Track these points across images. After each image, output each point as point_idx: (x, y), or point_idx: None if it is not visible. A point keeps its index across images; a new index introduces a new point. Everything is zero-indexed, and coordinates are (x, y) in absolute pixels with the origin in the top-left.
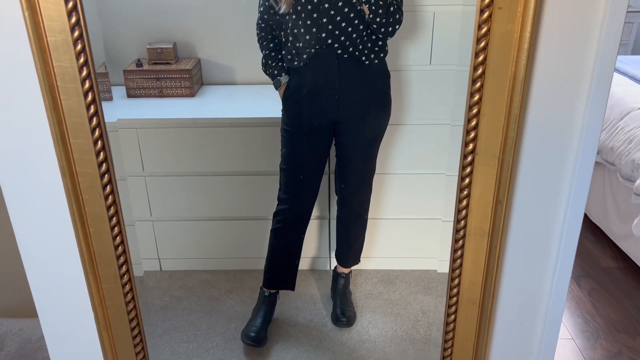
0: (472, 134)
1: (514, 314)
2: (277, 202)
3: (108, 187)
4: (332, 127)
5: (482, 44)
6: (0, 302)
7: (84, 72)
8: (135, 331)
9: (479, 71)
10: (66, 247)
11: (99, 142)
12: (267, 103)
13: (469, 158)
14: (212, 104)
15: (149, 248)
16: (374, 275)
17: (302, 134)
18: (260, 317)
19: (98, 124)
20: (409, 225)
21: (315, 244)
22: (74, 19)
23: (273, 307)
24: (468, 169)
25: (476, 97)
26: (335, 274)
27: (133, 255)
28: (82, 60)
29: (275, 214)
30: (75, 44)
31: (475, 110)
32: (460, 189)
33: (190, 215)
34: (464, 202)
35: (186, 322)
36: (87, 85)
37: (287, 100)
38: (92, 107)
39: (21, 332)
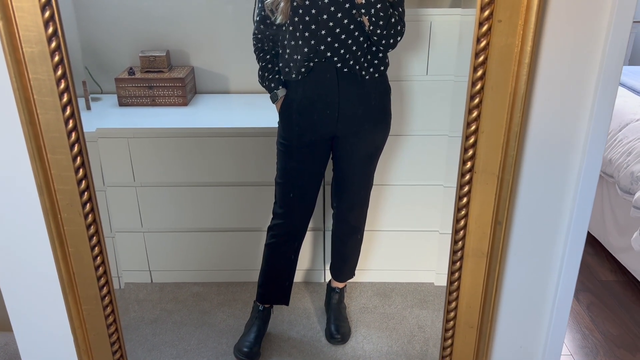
0: (470, 152)
1: (514, 337)
2: (272, 216)
3: (88, 204)
4: (330, 142)
5: (481, 58)
6: None
7: (62, 85)
8: (117, 355)
9: (478, 86)
10: (44, 267)
11: (79, 157)
12: (262, 112)
13: (467, 177)
14: (206, 113)
15: (140, 259)
16: (369, 288)
17: (298, 149)
18: (253, 332)
19: (77, 140)
20: (405, 238)
21: (310, 256)
22: (50, 29)
23: (267, 321)
24: (466, 188)
25: (475, 114)
26: (330, 289)
27: (112, 268)
28: (59, 72)
29: (270, 229)
30: (52, 55)
31: (473, 127)
32: (458, 209)
33: (181, 227)
34: (462, 222)
35: (176, 336)
36: (65, 98)
37: (284, 114)
38: (70, 121)
39: (7, 347)
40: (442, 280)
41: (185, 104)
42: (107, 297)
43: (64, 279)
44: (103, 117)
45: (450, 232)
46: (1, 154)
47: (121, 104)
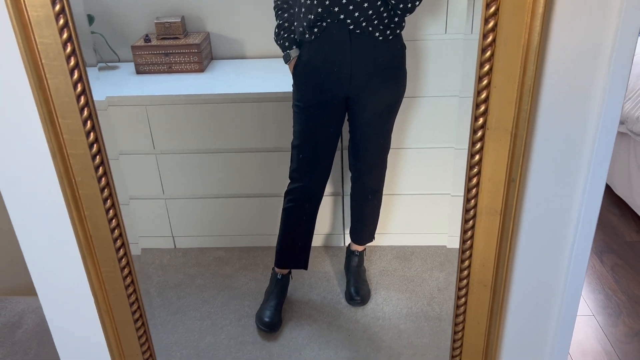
0: (482, 107)
1: (529, 295)
2: (288, 180)
3: (100, 168)
4: (345, 103)
5: (492, 8)
6: (17, 281)
7: (69, 49)
8: (137, 315)
9: (489, 39)
10: (62, 231)
11: (89, 122)
12: (279, 77)
13: (479, 133)
14: (222, 79)
15: (163, 226)
16: (389, 251)
17: (313, 110)
18: (273, 301)
19: (86, 104)
20: (418, 201)
21: (329, 221)
22: None
23: (286, 289)
24: (478, 145)
25: (486, 68)
26: (349, 252)
27: (130, 235)
28: (65, 35)
29: (287, 193)
30: (57, 18)
31: (485, 82)
32: (470, 166)
33: (202, 193)
34: (474, 180)
35: (200, 299)
36: (72, 62)
37: (298, 75)
38: (79, 85)
39: (38, 310)
40: (454, 243)
41: (201, 70)
42: (123, 259)
43: (82, 242)
44: (121, 85)
45: (462, 193)
46: (14, 119)
47: (138, 71)
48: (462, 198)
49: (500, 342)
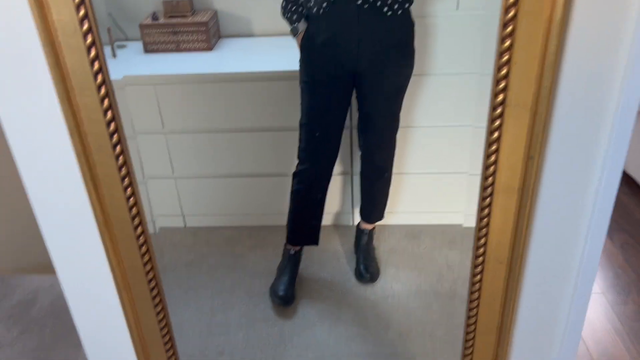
0: (502, 84)
1: (544, 273)
2: (297, 161)
3: (118, 147)
4: (352, 79)
5: None
6: (31, 259)
7: (85, 26)
8: (155, 292)
9: (511, 13)
10: (81, 209)
11: (106, 100)
12: (288, 55)
13: (499, 110)
14: (231, 58)
15: (173, 205)
16: (398, 230)
17: (320, 86)
18: (286, 276)
19: (103, 82)
20: (433, 180)
21: (338, 200)
22: None
23: (298, 264)
24: (497, 122)
25: (507, 43)
26: (359, 231)
27: (157, 212)
28: (82, 12)
29: (295, 175)
30: None
31: (506, 58)
32: (489, 144)
33: (212, 172)
34: (492, 158)
35: (211, 278)
36: (89, 39)
37: (305, 50)
38: (95, 63)
39: (52, 288)
40: (470, 222)
41: (209, 48)
42: (141, 237)
43: (100, 220)
44: (129, 64)
45: (480, 172)
46: (32, 98)
47: (147, 50)
48: (478, 176)
49: (515, 319)
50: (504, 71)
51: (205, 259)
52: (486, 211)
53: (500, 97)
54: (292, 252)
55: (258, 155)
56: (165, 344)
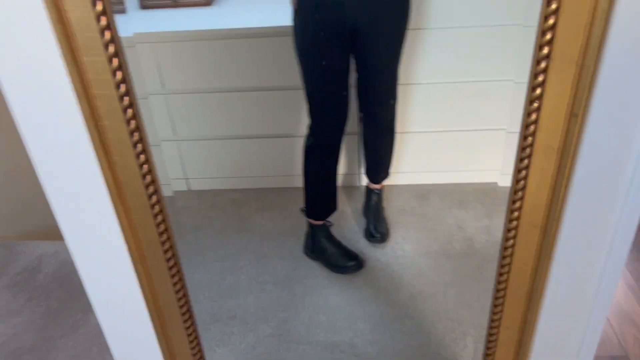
0: (548, 36)
1: (578, 237)
2: (302, 120)
3: (129, 110)
4: (350, 35)
5: None
6: (33, 225)
7: None
8: (171, 262)
9: None
10: (92, 178)
11: (114, 59)
12: (290, 9)
13: (543, 64)
14: (231, 13)
15: (176, 168)
16: (406, 190)
17: (319, 48)
18: (335, 248)
19: (112, 39)
20: (468, 137)
21: (345, 161)
22: None
23: (330, 231)
24: (540, 78)
25: None
26: (368, 191)
27: (161, 176)
28: None
29: (309, 151)
30: None
31: (554, 6)
32: (530, 101)
33: (215, 134)
34: (533, 116)
35: (218, 241)
36: None
37: (301, 11)
38: (102, 18)
39: (57, 254)
40: (505, 181)
41: (208, 3)
42: (156, 206)
43: (112, 189)
44: (125, 21)
45: (518, 130)
46: (35, 58)
47: (143, 6)
48: (516, 134)
49: (546, 284)
50: (550, 21)
51: (211, 222)
52: (523, 173)
53: (546, 50)
54: (321, 225)
55: (262, 116)
56: (183, 314)
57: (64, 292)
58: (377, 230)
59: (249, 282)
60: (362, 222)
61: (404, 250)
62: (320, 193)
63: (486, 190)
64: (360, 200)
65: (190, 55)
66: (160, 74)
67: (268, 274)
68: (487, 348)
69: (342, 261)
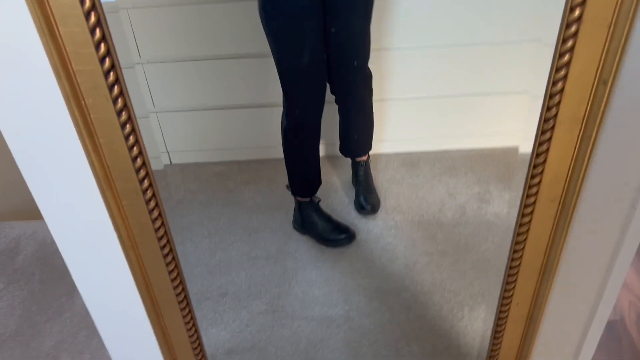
0: None
1: (598, 208)
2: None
3: (116, 87)
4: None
5: None
6: (8, 205)
7: None
8: (166, 250)
9: None
10: (76, 161)
11: (97, 30)
12: None
13: (573, 28)
14: None
15: (155, 141)
16: (394, 159)
17: (290, 13)
18: (324, 222)
19: (93, 6)
20: (488, 101)
21: (331, 131)
22: None
23: (319, 205)
24: (570, 43)
25: None
26: (354, 164)
27: (150, 148)
28: None
29: (287, 132)
30: None
31: None
32: (557, 69)
33: (195, 105)
34: (559, 85)
35: (204, 216)
36: None
37: None
38: None
39: (35, 235)
40: (526, 147)
41: None
42: (149, 191)
43: (99, 173)
44: None
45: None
46: (5, 30)
47: None
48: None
49: (560, 259)
50: None
51: (195, 196)
52: (545, 146)
53: (577, 12)
54: (309, 202)
55: (244, 85)
56: (180, 302)
57: (46, 274)
58: (367, 202)
59: (240, 257)
60: (352, 193)
61: (395, 221)
62: (303, 171)
63: (475, 157)
64: (348, 170)
65: (165, 22)
66: (136, 42)
67: (259, 249)
68: (497, 325)
69: (334, 235)
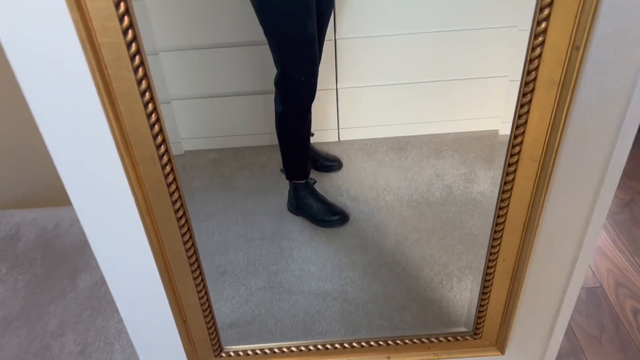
0: None
1: (573, 170)
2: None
3: (137, 58)
4: None
5: None
6: (8, 194)
7: None
8: (180, 213)
9: None
10: (97, 128)
11: (122, 3)
12: None
13: None
14: None
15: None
16: (384, 143)
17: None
18: (318, 203)
19: None
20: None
21: (323, 116)
22: None
23: (314, 189)
24: (546, 11)
25: None
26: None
27: (172, 134)
28: None
29: (281, 116)
30: None
31: None
32: (535, 35)
33: (188, 93)
34: (537, 51)
35: (202, 200)
36: None
37: None
38: None
39: (35, 222)
40: (506, 129)
41: None
42: (165, 156)
43: (119, 140)
44: None
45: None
46: (37, 9)
47: None
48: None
49: (541, 217)
50: None
51: (192, 182)
52: (525, 108)
53: None
54: (304, 184)
55: (237, 73)
56: (192, 264)
57: (48, 259)
58: (329, 160)
59: (237, 239)
60: (344, 177)
61: (386, 201)
62: (299, 154)
63: (460, 140)
64: (340, 156)
65: (157, 10)
66: None
67: (255, 230)
68: (485, 281)
69: (328, 216)
